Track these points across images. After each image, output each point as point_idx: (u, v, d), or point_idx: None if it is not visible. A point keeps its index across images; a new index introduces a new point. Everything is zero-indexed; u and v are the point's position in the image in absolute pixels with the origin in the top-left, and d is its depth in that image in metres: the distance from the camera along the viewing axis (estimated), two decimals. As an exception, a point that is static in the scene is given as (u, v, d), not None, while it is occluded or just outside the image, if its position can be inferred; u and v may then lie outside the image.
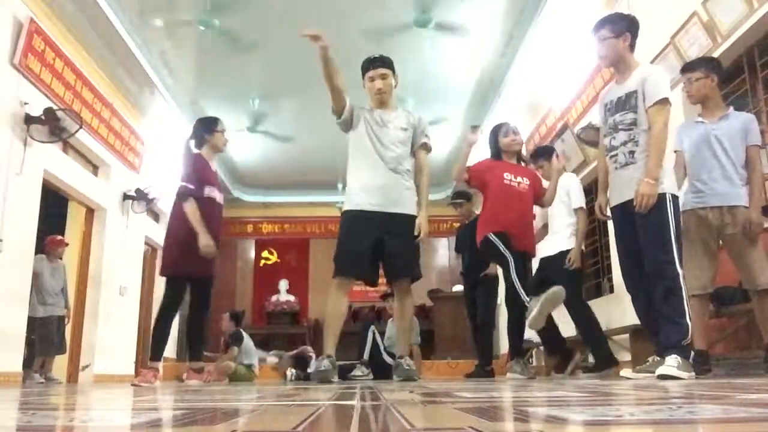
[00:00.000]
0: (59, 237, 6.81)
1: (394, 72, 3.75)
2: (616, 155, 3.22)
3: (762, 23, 4.24)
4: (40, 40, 5.71)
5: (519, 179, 4.24)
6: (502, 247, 3.92)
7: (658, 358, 2.99)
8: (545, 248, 4.68)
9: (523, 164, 4.44)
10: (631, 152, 3.14)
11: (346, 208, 3.67)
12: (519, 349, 4.58)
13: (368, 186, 3.59)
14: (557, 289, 3.51)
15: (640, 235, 3.10)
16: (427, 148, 3.79)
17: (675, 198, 3.08)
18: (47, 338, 6.19)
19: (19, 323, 5.51)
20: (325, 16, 6.61)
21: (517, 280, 3.78)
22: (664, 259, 2.98)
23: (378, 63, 3.70)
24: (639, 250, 3.13)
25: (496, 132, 4.46)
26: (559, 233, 4.62)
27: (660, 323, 3.02)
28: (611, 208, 3.33)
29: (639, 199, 2.99)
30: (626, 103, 3.18)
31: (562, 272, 4.40)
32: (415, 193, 3.72)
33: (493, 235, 4.00)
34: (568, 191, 4.62)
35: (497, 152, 4.39)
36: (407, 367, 3.61)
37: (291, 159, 10.47)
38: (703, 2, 4.58)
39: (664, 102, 3.07)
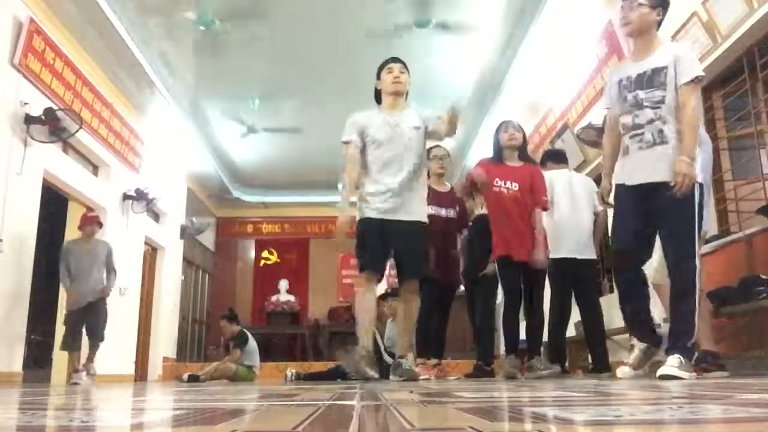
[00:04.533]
0: (90, 213, 6.34)
1: (409, 76, 3.91)
2: (642, 134, 3.05)
3: (762, 23, 4.24)
4: (40, 40, 5.71)
5: (508, 184, 4.21)
6: (502, 283, 4.27)
7: (644, 347, 2.99)
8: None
9: (522, 163, 4.42)
10: (660, 131, 3.01)
11: (360, 216, 3.74)
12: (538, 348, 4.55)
13: (380, 192, 3.67)
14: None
15: (662, 222, 3.00)
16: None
17: (701, 186, 2.98)
18: (71, 332, 5.85)
19: (19, 323, 5.51)
20: (325, 17, 6.60)
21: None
22: (688, 252, 2.92)
23: (399, 60, 3.91)
24: (648, 233, 3.05)
25: (498, 130, 4.46)
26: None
27: (671, 320, 3.01)
28: (627, 187, 3.14)
29: (681, 178, 2.84)
30: (653, 79, 3.04)
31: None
32: (425, 197, 3.84)
33: (498, 263, 4.23)
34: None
35: (498, 150, 4.38)
36: (408, 368, 3.61)
37: (291, 159, 10.47)
38: (703, 2, 4.58)
39: (699, 80, 3.00)
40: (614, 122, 3.29)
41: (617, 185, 3.22)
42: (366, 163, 3.77)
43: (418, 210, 3.72)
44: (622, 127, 3.18)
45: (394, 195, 3.64)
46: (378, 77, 3.89)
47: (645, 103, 3.05)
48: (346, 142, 3.78)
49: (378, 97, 3.92)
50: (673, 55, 3.04)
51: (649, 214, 3.06)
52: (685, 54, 3.05)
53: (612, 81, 3.29)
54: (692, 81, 2.97)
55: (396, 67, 3.84)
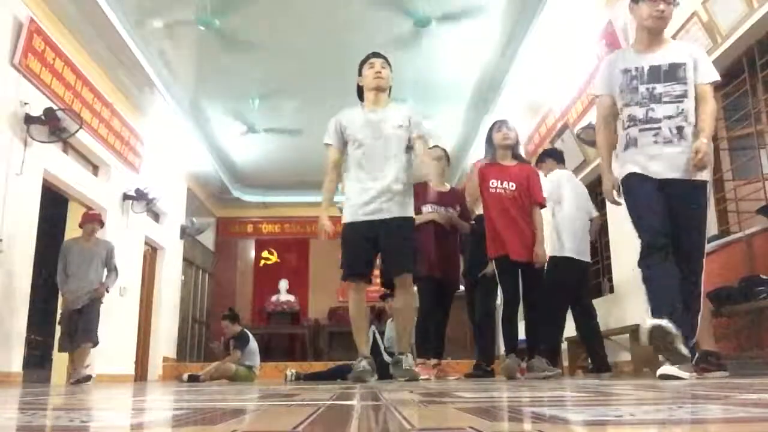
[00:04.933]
0: (91, 211, 6.25)
1: (391, 71, 3.84)
2: (659, 128, 2.98)
3: (762, 23, 4.24)
4: (40, 40, 5.71)
5: (505, 185, 4.21)
6: (501, 283, 4.26)
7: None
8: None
9: (516, 162, 4.42)
10: (679, 128, 2.96)
11: (344, 220, 3.73)
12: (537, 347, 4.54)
13: (362, 195, 3.63)
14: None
15: (679, 219, 2.96)
16: (423, 140, 3.74)
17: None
18: (66, 333, 5.66)
19: (19, 323, 5.51)
20: (324, 16, 6.60)
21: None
22: (698, 252, 2.95)
23: (380, 55, 3.85)
24: (668, 225, 2.97)
25: (491, 129, 4.47)
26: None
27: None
28: (643, 175, 3.02)
29: (701, 155, 2.82)
30: (673, 74, 3.03)
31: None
32: (411, 195, 3.76)
33: (496, 263, 4.23)
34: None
35: (492, 150, 4.40)
36: (407, 366, 3.60)
37: (291, 159, 10.47)
38: (703, 2, 4.58)
39: (715, 83, 3.06)
40: (611, 110, 3.21)
41: (630, 174, 3.06)
42: (347, 162, 3.75)
43: (404, 208, 3.67)
44: (628, 119, 3.09)
45: (378, 195, 3.59)
46: (359, 73, 3.84)
47: (664, 98, 3.01)
48: (327, 144, 3.80)
49: (361, 93, 3.88)
50: (689, 54, 3.07)
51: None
52: (703, 56, 3.12)
53: (614, 69, 3.19)
54: (712, 83, 3.03)
55: (377, 62, 3.79)
